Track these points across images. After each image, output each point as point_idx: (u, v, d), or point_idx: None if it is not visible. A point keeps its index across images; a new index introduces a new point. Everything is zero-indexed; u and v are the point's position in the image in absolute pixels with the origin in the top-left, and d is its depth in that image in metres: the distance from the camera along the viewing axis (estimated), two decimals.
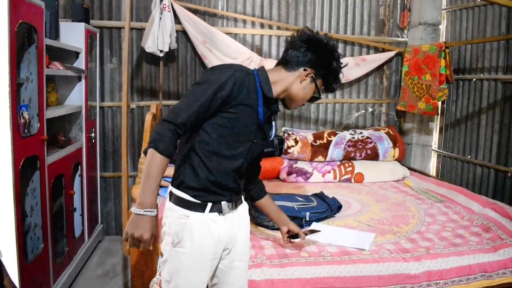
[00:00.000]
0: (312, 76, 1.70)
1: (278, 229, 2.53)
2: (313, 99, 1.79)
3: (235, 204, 1.71)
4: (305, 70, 1.69)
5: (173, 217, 1.63)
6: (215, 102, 1.53)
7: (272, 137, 1.81)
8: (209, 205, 1.62)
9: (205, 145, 1.59)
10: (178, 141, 1.57)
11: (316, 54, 1.70)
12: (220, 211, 1.64)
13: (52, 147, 3.05)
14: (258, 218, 2.58)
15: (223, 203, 1.64)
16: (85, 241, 3.59)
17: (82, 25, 3.40)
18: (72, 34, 3.35)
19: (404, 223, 2.76)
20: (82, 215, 3.52)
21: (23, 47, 2.49)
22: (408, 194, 3.45)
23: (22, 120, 2.37)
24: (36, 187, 2.57)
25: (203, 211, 1.61)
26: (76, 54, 3.41)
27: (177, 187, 1.64)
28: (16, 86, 2.26)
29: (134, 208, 1.50)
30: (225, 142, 1.60)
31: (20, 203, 2.33)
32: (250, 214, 1.96)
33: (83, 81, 3.46)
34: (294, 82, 1.71)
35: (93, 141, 3.76)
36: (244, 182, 1.80)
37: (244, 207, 1.81)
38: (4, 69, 2.13)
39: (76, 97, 3.48)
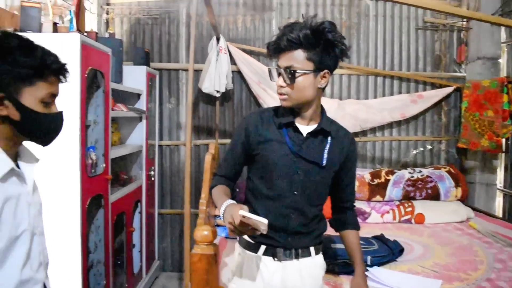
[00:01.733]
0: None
1: (338, 273, 2.43)
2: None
3: (294, 252, 1.61)
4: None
5: (234, 254, 1.73)
6: (242, 149, 1.65)
7: (325, 162, 1.59)
8: (263, 247, 1.61)
9: (253, 191, 1.66)
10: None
11: None
12: (275, 256, 1.61)
13: (115, 185, 3.16)
14: None
15: (278, 249, 1.60)
16: (143, 277, 3.64)
17: (143, 68, 3.57)
18: (134, 77, 3.52)
19: (472, 269, 2.60)
20: (140, 251, 3.59)
21: (91, 91, 2.64)
22: (473, 237, 3.26)
23: (90, 161, 2.49)
24: (100, 225, 2.66)
25: (256, 252, 1.62)
26: (138, 95, 3.57)
27: None
28: (85, 128, 2.39)
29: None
30: (264, 183, 1.61)
31: (86, 240, 2.42)
32: None
33: (144, 121, 3.60)
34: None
35: (152, 179, 3.87)
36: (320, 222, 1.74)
37: (314, 261, 1.67)
38: (75, 113, 2.26)
39: (137, 137, 3.62)
